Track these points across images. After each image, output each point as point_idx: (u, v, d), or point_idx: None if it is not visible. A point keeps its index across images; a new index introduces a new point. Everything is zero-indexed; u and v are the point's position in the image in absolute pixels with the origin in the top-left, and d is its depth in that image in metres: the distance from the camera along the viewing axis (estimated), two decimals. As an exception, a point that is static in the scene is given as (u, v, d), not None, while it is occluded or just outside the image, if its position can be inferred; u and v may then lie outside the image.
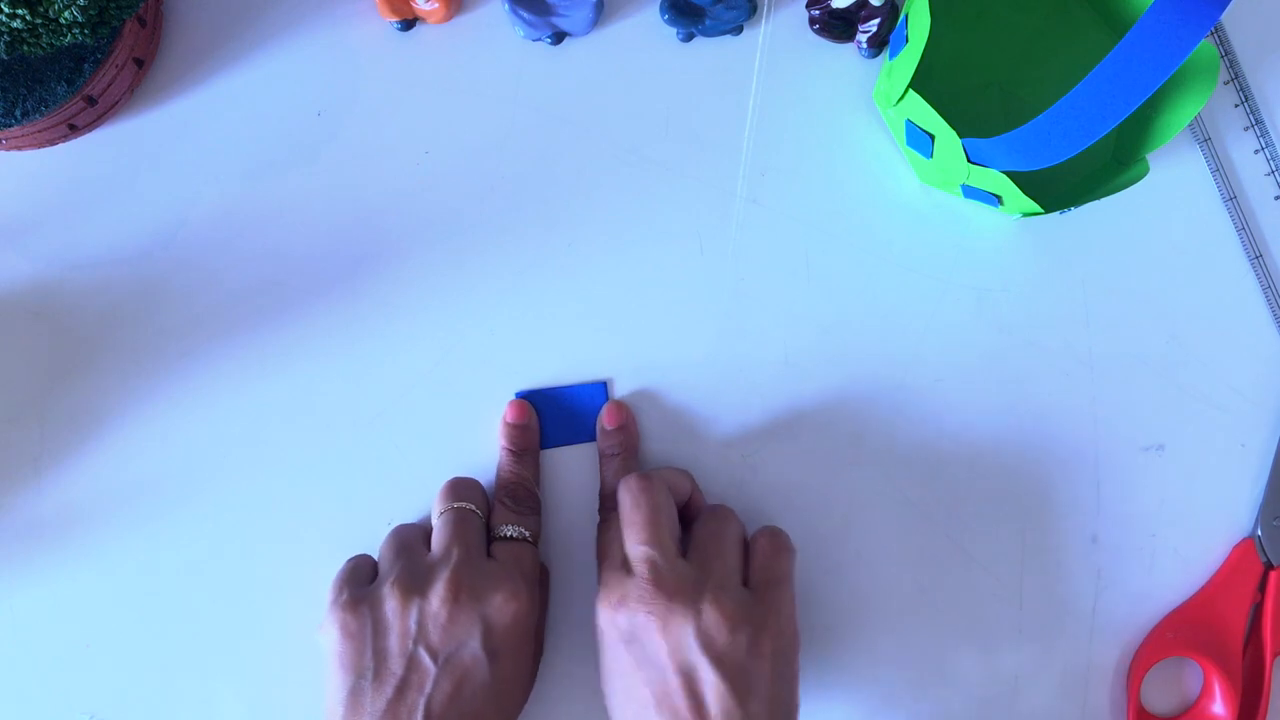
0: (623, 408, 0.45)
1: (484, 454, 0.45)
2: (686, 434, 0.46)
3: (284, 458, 0.45)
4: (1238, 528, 0.47)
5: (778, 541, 0.42)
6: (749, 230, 0.47)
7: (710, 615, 0.38)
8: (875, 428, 0.46)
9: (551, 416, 0.45)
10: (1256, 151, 0.48)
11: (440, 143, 0.46)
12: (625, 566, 0.40)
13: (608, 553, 0.41)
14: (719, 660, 0.37)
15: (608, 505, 0.43)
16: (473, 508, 0.42)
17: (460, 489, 0.43)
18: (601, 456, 0.44)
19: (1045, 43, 0.48)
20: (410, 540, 0.42)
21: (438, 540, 0.41)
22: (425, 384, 0.45)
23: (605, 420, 0.44)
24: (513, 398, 0.45)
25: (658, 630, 0.38)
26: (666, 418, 0.46)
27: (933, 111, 0.41)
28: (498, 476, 0.44)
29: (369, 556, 0.43)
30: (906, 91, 0.42)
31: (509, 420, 0.44)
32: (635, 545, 0.39)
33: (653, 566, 0.39)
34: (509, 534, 0.42)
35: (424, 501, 0.45)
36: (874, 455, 0.46)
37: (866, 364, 0.46)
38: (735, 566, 0.40)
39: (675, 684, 0.37)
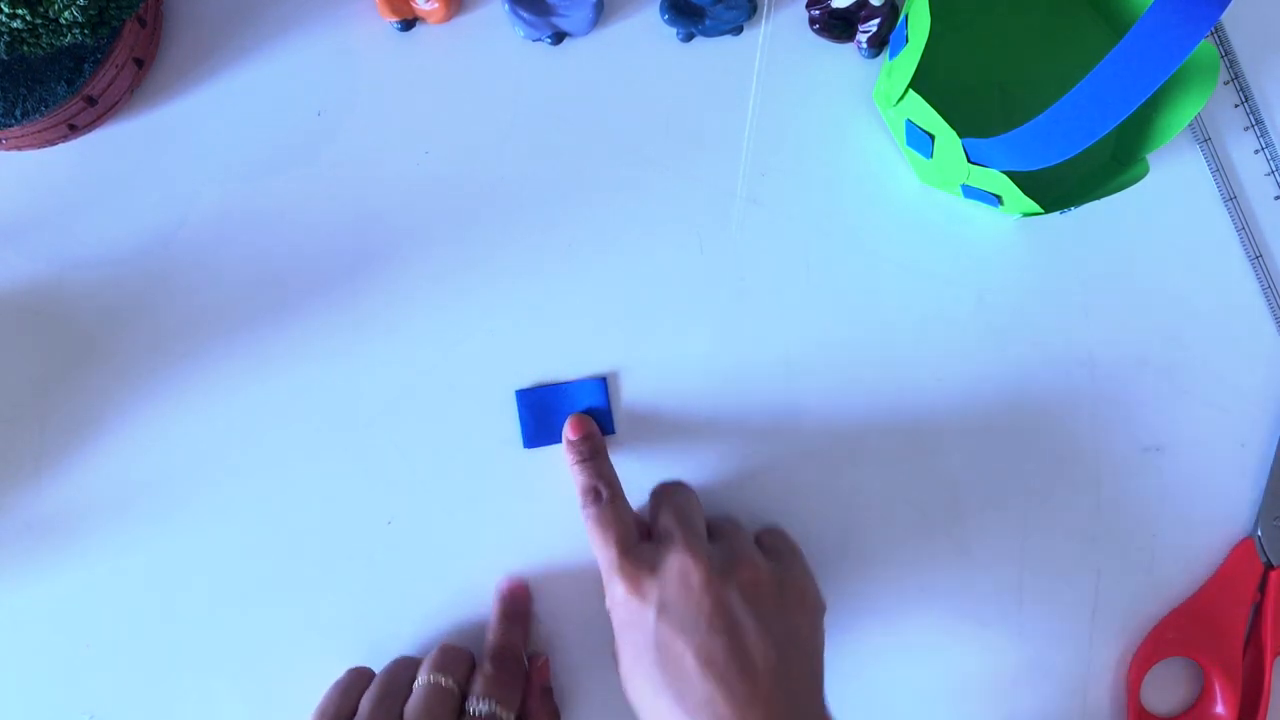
0: (583, 418, 0.45)
1: (483, 454, 0.45)
2: (687, 433, 0.46)
3: (284, 457, 0.45)
4: (1238, 528, 0.47)
5: (778, 529, 0.44)
6: (749, 230, 0.47)
7: (748, 572, 0.39)
8: (875, 428, 0.46)
9: (550, 413, 0.45)
10: (1256, 151, 0.48)
11: (440, 143, 0.46)
12: (646, 543, 0.40)
13: (614, 534, 0.40)
14: (762, 613, 0.38)
15: (590, 499, 0.42)
16: (450, 684, 0.41)
17: (445, 660, 0.41)
18: (574, 465, 0.44)
19: (1045, 43, 0.48)
20: (392, 689, 0.41)
21: (409, 712, 0.40)
22: (425, 383, 0.45)
23: (570, 432, 0.44)
24: (513, 393, 0.45)
25: (699, 588, 0.38)
26: (667, 417, 0.46)
27: (933, 111, 0.41)
28: (486, 638, 0.43)
29: (361, 678, 0.42)
30: (906, 91, 0.42)
31: (504, 590, 0.44)
32: (671, 518, 0.40)
33: (688, 534, 0.39)
34: (480, 711, 0.40)
35: (424, 502, 0.45)
36: (874, 455, 0.46)
37: (866, 364, 0.46)
38: (755, 547, 0.41)
39: (720, 643, 0.37)
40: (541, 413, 0.45)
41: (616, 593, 0.39)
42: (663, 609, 0.38)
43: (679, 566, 0.38)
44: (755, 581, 0.39)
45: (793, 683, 0.37)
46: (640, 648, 0.38)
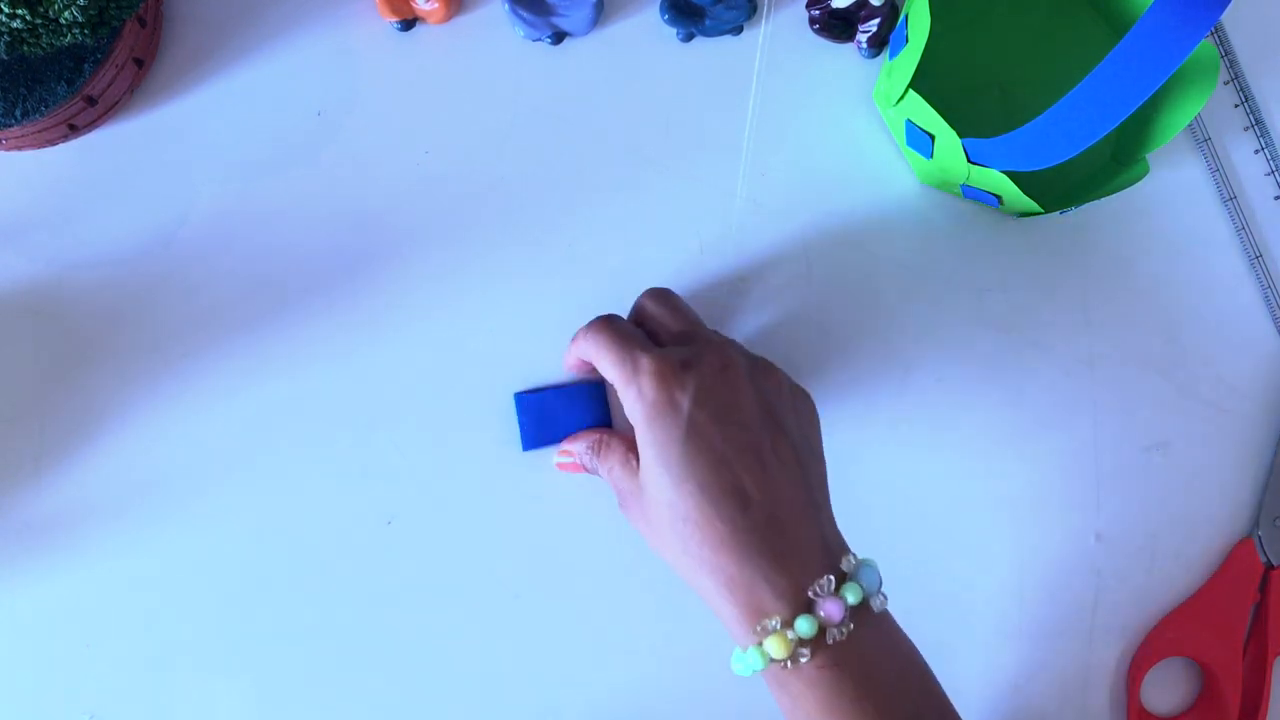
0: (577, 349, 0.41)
1: (483, 454, 0.45)
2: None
3: (284, 457, 0.45)
4: (1238, 528, 0.47)
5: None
6: (749, 230, 0.47)
7: (774, 377, 0.38)
8: (875, 428, 0.46)
9: (549, 416, 0.45)
10: (1256, 151, 0.48)
11: (440, 143, 0.46)
12: (669, 345, 0.39)
13: (635, 340, 0.39)
14: (787, 418, 0.37)
15: (594, 324, 0.40)
16: None
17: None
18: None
19: (1045, 43, 0.48)
20: None
21: None
22: (425, 384, 0.45)
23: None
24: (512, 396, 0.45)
25: (738, 382, 0.37)
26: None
27: (933, 111, 0.41)
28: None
29: None
30: (906, 91, 0.42)
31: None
32: (688, 321, 0.40)
33: (716, 333, 0.39)
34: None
35: (424, 501, 0.45)
36: (873, 454, 0.46)
37: (866, 364, 0.46)
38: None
39: (754, 434, 0.36)
40: (540, 416, 0.45)
41: (645, 387, 0.36)
42: (698, 399, 0.36)
43: (717, 360, 0.37)
44: (779, 387, 0.38)
45: (814, 483, 0.37)
46: (669, 439, 0.36)
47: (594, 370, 0.42)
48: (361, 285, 0.46)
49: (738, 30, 0.47)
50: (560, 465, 0.44)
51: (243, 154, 0.46)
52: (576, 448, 0.43)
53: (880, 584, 0.36)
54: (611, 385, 0.40)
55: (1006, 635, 0.46)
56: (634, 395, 0.37)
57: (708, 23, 0.46)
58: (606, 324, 0.39)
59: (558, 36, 0.47)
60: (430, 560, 0.45)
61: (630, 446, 0.40)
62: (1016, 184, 0.41)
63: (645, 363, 0.37)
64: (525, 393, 0.45)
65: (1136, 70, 0.34)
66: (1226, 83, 0.48)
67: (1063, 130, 0.36)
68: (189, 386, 0.45)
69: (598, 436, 0.42)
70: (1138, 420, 0.47)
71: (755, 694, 0.38)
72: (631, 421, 0.37)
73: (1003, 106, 0.47)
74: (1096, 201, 0.44)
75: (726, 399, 0.36)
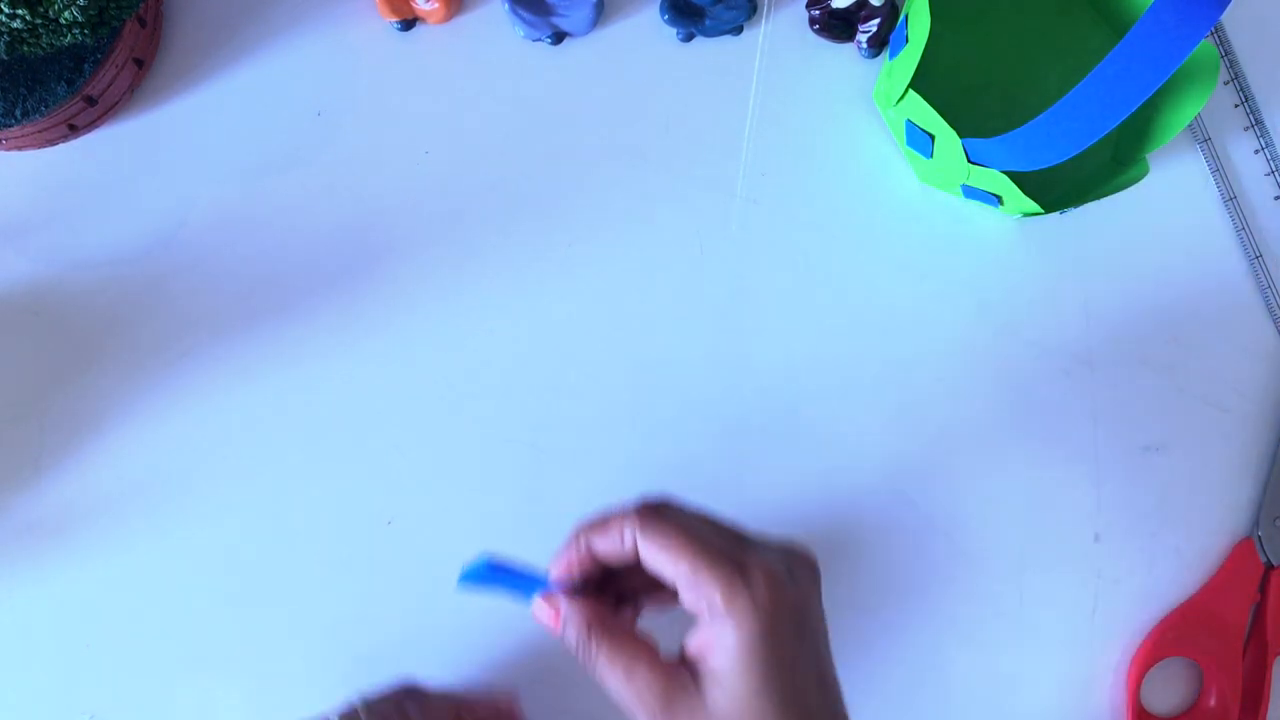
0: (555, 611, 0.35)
1: (483, 453, 0.45)
2: (685, 435, 0.46)
3: (284, 457, 0.45)
4: (1238, 528, 0.47)
5: None
6: (749, 230, 0.47)
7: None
8: (875, 428, 0.46)
9: (501, 581, 0.36)
10: (1256, 151, 0.48)
11: (440, 143, 0.46)
12: (741, 545, 0.32)
13: (703, 535, 0.32)
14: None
15: (649, 510, 0.33)
16: None
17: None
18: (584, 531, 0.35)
19: (1045, 43, 0.48)
20: None
21: None
22: (424, 383, 0.45)
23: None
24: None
25: (819, 602, 0.33)
26: (665, 418, 0.46)
27: (933, 111, 0.41)
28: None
29: None
30: (906, 91, 0.42)
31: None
32: (736, 525, 0.33)
33: (770, 564, 0.32)
34: None
35: (424, 502, 0.45)
36: (873, 455, 0.46)
37: (866, 364, 0.46)
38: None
39: (829, 656, 0.33)
40: (498, 568, 0.36)
41: (761, 599, 0.30)
42: (810, 616, 0.32)
43: (809, 570, 0.33)
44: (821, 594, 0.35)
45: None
46: (783, 659, 0.31)
47: (592, 568, 0.35)
48: (361, 285, 0.46)
49: (738, 30, 0.47)
50: (539, 617, 0.35)
51: (243, 154, 0.46)
52: (565, 614, 0.34)
53: None
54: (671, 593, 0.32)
55: (1007, 636, 0.46)
56: (746, 607, 0.30)
57: (708, 23, 0.46)
58: (670, 513, 0.32)
59: (558, 36, 0.47)
60: (430, 560, 0.45)
61: (660, 665, 0.32)
62: (1016, 184, 0.41)
63: (757, 570, 0.31)
64: (487, 566, 0.36)
65: (1136, 70, 0.34)
66: (1226, 83, 0.48)
67: (1063, 130, 0.36)
68: (189, 387, 0.45)
69: (594, 625, 0.33)
70: (1138, 420, 0.47)
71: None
72: (727, 638, 0.30)
73: (1003, 106, 0.47)
74: (1096, 201, 0.44)
75: (818, 614, 0.32)
